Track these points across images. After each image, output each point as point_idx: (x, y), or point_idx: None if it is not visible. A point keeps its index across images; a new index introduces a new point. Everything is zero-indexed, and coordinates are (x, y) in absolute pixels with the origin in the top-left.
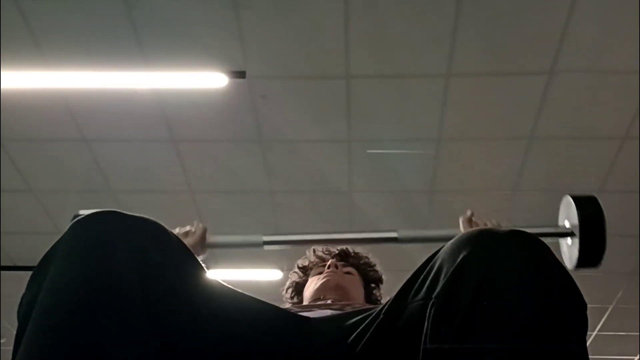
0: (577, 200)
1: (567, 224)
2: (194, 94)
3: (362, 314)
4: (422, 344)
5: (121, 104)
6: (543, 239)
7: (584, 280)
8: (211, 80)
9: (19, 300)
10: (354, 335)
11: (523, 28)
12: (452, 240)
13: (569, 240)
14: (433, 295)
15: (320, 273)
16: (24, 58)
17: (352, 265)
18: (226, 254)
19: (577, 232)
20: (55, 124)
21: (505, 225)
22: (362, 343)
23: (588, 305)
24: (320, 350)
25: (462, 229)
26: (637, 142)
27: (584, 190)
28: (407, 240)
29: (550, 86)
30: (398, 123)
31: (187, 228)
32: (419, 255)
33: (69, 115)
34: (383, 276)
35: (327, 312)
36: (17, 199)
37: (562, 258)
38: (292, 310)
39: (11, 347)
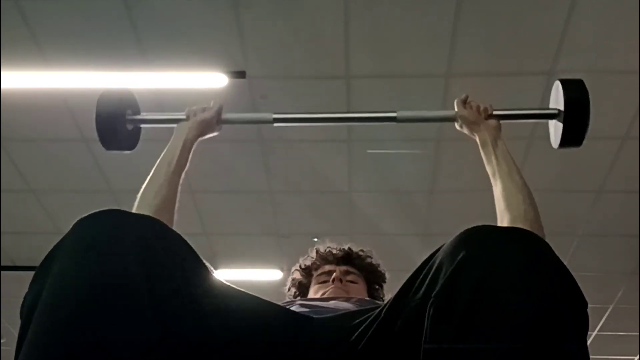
0: (565, 82)
1: (555, 106)
2: (194, 94)
3: (364, 313)
4: (422, 343)
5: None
6: (533, 119)
7: (584, 280)
8: (211, 80)
9: (20, 300)
10: (355, 335)
11: (523, 28)
12: (451, 239)
13: (556, 122)
14: (432, 295)
15: (324, 282)
16: (24, 58)
17: (355, 267)
18: (226, 254)
19: (562, 112)
20: (55, 124)
21: (496, 110)
22: (363, 342)
23: (588, 305)
24: (322, 349)
25: (456, 108)
26: (637, 142)
27: (584, 191)
28: (406, 119)
29: (550, 86)
30: (398, 123)
31: (204, 105)
32: (418, 254)
33: (69, 115)
34: (386, 274)
35: (332, 303)
36: (17, 199)
37: (551, 140)
38: (295, 304)
39: (11, 347)
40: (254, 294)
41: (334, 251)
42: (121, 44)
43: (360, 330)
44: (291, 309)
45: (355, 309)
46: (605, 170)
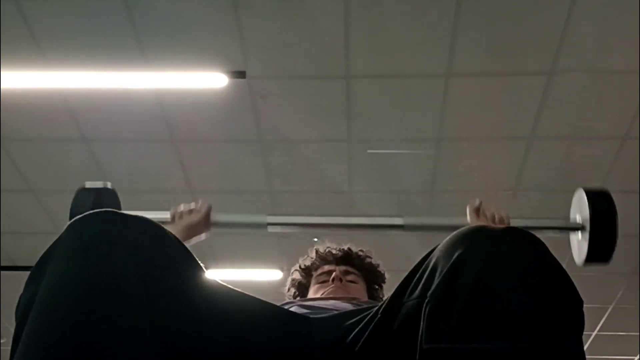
0: (590, 194)
1: (578, 218)
2: (194, 94)
3: (361, 313)
4: (418, 343)
5: (121, 104)
6: (553, 232)
7: (584, 280)
8: (211, 80)
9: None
10: (352, 335)
11: (523, 28)
12: (447, 238)
13: (579, 234)
14: (428, 294)
15: (324, 282)
16: (24, 58)
17: (355, 267)
18: (226, 254)
19: (587, 226)
20: (55, 124)
21: (512, 218)
22: (360, 342)
23: (588, 305)
24: (319, 349)
25: (469, 218)
26: (637, 142)
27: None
28: (413, 227)
29: (550, 86)
30: (398, 123)
31: (192, 206)
32: (418, 254)
33: (69, 115)
34: (385, 274)
35: (330, 303)
36: (17, 199)
37: (572, 253)
38: (295, 304)
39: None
40: (250, 294)
41: (334, 251)
42: (121, 44)
43: (357, 330)
44: (290, 309)
45: (353, 309)
46: (605, 170)
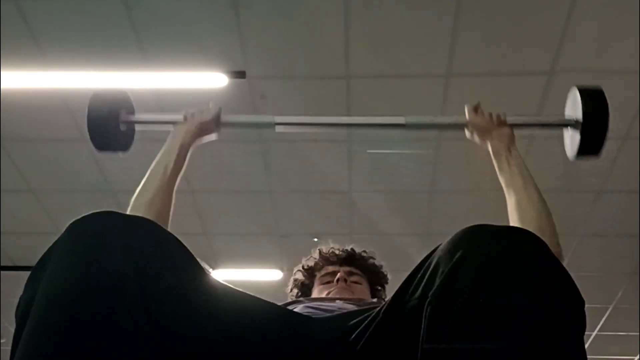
0: (583, 91)
1: (572, 115)
2: (194, 94)
3: (363, 313)
4: (420, 343)
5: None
6: (548, 129)
7: (584, 280)
8: (211, 80)
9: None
10: (354, 335)
11: (523, 28)
12: (448, 238)
13: (572, 130)
14: (429, 294)
15: (328, 283)
16: (24, 58)
17: (358, 268)
18: (226, 254)
19: (580, 121)
20: (55, 124)
21: (510, 117)
22: (362, 342)
23: (588, 305)
24: (321, 349)
25: (467, 115)
26: (637, 142)
27: (584, 191)
28: (414, 126)
29: (550, 86)
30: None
31: (202, 107)
32: (418, 254)
33: (69, 115)
34: (388, 275)
35: (335, 304)
36: (17, 199)
37: (565, 149)
38: (300, 304)
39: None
40: (250, 293)
41: (337, 252)
42: (121, 44)
43: (358, 330)
44: (295, 309)
45: (355, 309)
46: (605, 170)
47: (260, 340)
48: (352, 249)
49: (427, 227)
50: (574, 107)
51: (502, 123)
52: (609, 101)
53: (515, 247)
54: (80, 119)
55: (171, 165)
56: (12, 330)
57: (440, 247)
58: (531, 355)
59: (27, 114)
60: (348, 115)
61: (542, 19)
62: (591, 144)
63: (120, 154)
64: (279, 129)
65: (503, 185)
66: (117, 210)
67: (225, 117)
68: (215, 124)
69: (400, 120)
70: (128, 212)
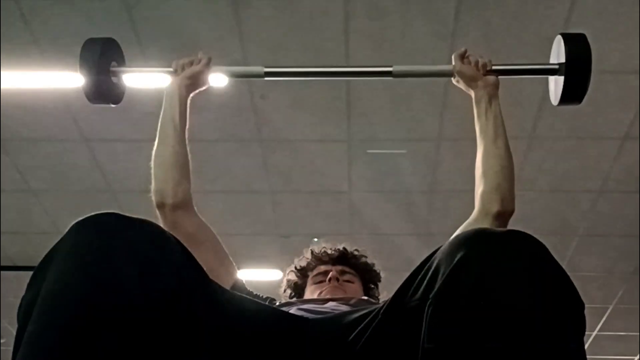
0: (566, 37)
1: (555, 62)
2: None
3: (359, 312)
4: (420, 343)
5: (121, 103)
6: (532, 75)
7: (584, 280)
8: (211, 80)
9: (19, 301)
10: (353, 335)
11: (523, 28)
12: (449, 240)
13: (556, 77)
14: (430, 295)
15: (321, 282)
16: (24, 58)
17: (351, 266)
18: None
19: (563, 67)
20: (55, 124)
21: (495, 65)
22: (361, 343)
23: (588, 305)
24: (319, 350)
25: (454, 63)
26: (637, 142)
27: (583, 191)
28: (402, 74)
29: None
30: (398, 123)
31: (192, 57)
32: (418, 254)
33: (69, 115)
34: (381, 273)
35: (328, 305)
36: (17, 199)
37: (550, 97)
38: (293, 305)
39: (11, 347)
40: (250, 298)
41: (329, 251)
42: (121, 44)
43: (357, 330)
44: (289, 311)
45: (352, 310)
46: (605, 170)
47: (260, 342)
48: (344, 248)
49: (427, 227)
50: (558, 54)
51: (488, 71)
52: (609, 103)
53: (516, 250)
54: (81, 119)
55: (177, 118)
56: (12, 330)
57: (441, 249)
58: (531, 357)
59: (27, 114)
60: (347, 115)
61: (542, 19)
62: (574, 88)
63: (111, 106)
64: (268, 78)
65: (477, 132)
66: (117, 211)
67: (215, 69)
68: (205, 75)
69: (388, 68)
70: (152, 176)
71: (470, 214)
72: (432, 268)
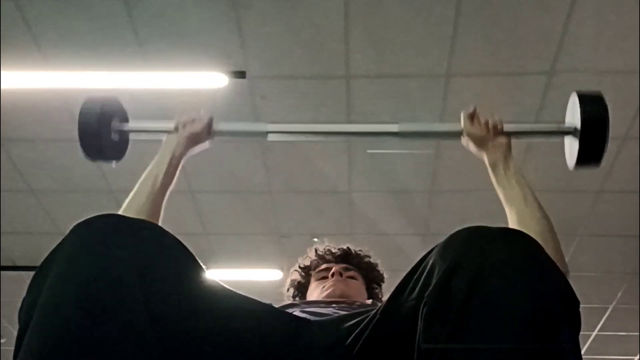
0: (582, 97)
1: (571, 122)
2: (194, 94)
3: (361, 315)
4: (416, 344)
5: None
6: (547, 137)
7: (584, 280)
8: (211, 80)
9: (19, 301)
10: (352, 337)
11: (523, 28)
12: (444, 240)
13: (572, 138)
14: (425, 295)
15: (324, 278)
16: (24, 58)
17: (354, 265)
18: (226, 254)
19: (579, 129)
20: (55, 124)
21: (507, 124)
22: (359, 344)
23: (588, 306)
24: (319, 351)
25: (462, 124)
26: (637, 142)
27: (584, 191)
28: (408, 134)
29: (550, 86)
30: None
31: (194, 115)
32: (418, 254)
33: (69, 115)
34: (384, 274)
35: (331, 309)
36: (17, 199)
37: (565, 157)
38: (297, 307)
39: (11, 347)
40: (251, 296)
41: (333, 250)
42: (121, 44)
43: (356, 332)
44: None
45: (353, 312)
46: (605, 170)
47: (260, 344)
48: (347, 247)
49: (427, 227)
50: (573, 114)
51: (498, 132)
52: (609, 103)
53: (511, 248)
54: None
55: (161, 176)
56: (12, 330)
57: (436, 248)
58: (526, 355)
59: (27, 114)
60: (347, 115)
61: (542, 19)
62: (590, 152)
63: (113, 163)
64: (271, 137)
65: (502, 199)
66: (118, 212)
67: (218, 126)
68: (207, 133)
69: (394, 128)
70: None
71: (471, 214)
72: (428, 267)
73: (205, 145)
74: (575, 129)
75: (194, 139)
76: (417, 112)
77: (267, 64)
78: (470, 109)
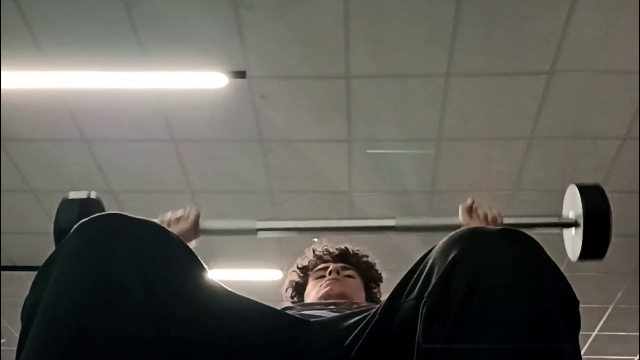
0: (582, 189)
1: (571, 214)
2: (194, 94)
3: (360, 315)
4: (416, 343)
5: (121, 104)
6: (547, 229)
7: (584, 280)
8: (211, 80)
9: (20, 301)
10: (351, 337)
11: (523, 28)
12: (444, 239)
13: (573, 230)
14: (425, 295)
15: (322, 277)
16: (24, 58)
17: (352, 265)
18: (226, 254)
19: (581, 222)
20: (55, 124)
21: (506, 217)
22: (359, 344)
23: (588, 305)
24: (319, 351)
25: (461, 218)
26: (637, 142)
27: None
28: (406, 228)
29: (550, 86)
30: (398, 123)
31: (180, 213)
32: (418, 254)
33: (69, 115)
34: (382, 274)
35: (328, 312)
36: (17, 199)
37: (565, 250)
38: (294, 310)
39: (11, 347)
40: (250, 297)
41: (330, 250)
42: (121, 44)
43: (355, 332)
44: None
45: (351, 311)
46: (605, 170)
47: (260, 344)
48: (345, 247)
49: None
50: (573, 205)
51: (497, 226)
52: (609, 103)
53: (510, 248)
54: (81, 119)
55: None
56: (12, 330)
57: (435, 248)
58: (526, 355)
59: (27, 114)
60: (347, 115)
61: (542, 19)
62: (594, 247)
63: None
64: (261, 234)
65: None
66: (120, 212)
67: (204, 224)
68: (193, 232)
69: (391, 222)
70: None
71: None
72: (427, 267)
73: (193, 243)
74: (576, 222)
75: (182, 237)
76: (417, 112)
77: (267, 64)
78: (468, 202)
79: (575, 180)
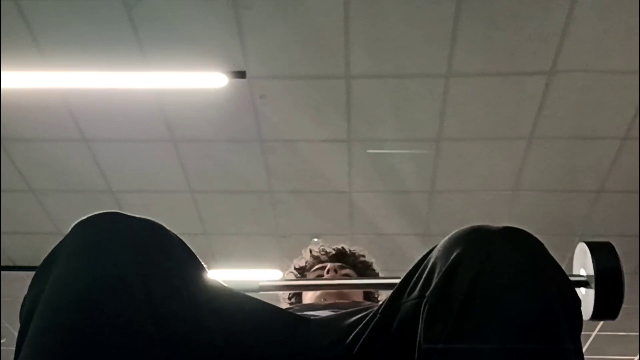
0: (593, 248)
1: (582, 272)
2: (194, 94)
3: (361, 313)
4: (417, 343)
5: (121, 104)
6: None
7: None
8: (211, 80)
9: (19, 301)
10: (352, 336)
11: (523, 28)
12: (446, 238)
13: (583, 290)
14: (426, 294)
15: (319, 277)
16: (24, 58)
17: (349, 265)
18: (226, 254)
19: (592, 282)
20: (55, 124)
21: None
22: (359, 343)
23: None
24: (319, 350)
25: None
26: (637, 142)
27: (584, 191)
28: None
29: (550, 86)
30: (398, 123)
31: None
32: (418, 254)
33: (69, 115)
34: (380, 273)
35: (327, 313)
36: (17, 199)
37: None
38: (292, 310)
39: (11, 347)
40: (251, 295)
41: (327, 250)
42: (121, 44)
43: (356, 331)
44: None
45: (352, 310)
46: (605, 170)
47: (261, 342)
48: (342, 247)
49: (427, 227)
50: (583, 264)
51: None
52: (609, 103)
53: (512, 247)
54: (81, 119)
55: None
56: (12, 330)
57: (437, 247)
58: (528, 355)
59: (27, 114)
60: (347, 115)
61: (542, 19)
62: (607, 307)
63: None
64: (263, 292)
65: None
66: (119, 211)
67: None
68: None
69: (396, 281)
70: None
71: (470, 214)
72: (429, 266)
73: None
74: (587, 282)
75: None
76: (417, 112)
77: (267, 64)
78: None
79: (575, 180)
